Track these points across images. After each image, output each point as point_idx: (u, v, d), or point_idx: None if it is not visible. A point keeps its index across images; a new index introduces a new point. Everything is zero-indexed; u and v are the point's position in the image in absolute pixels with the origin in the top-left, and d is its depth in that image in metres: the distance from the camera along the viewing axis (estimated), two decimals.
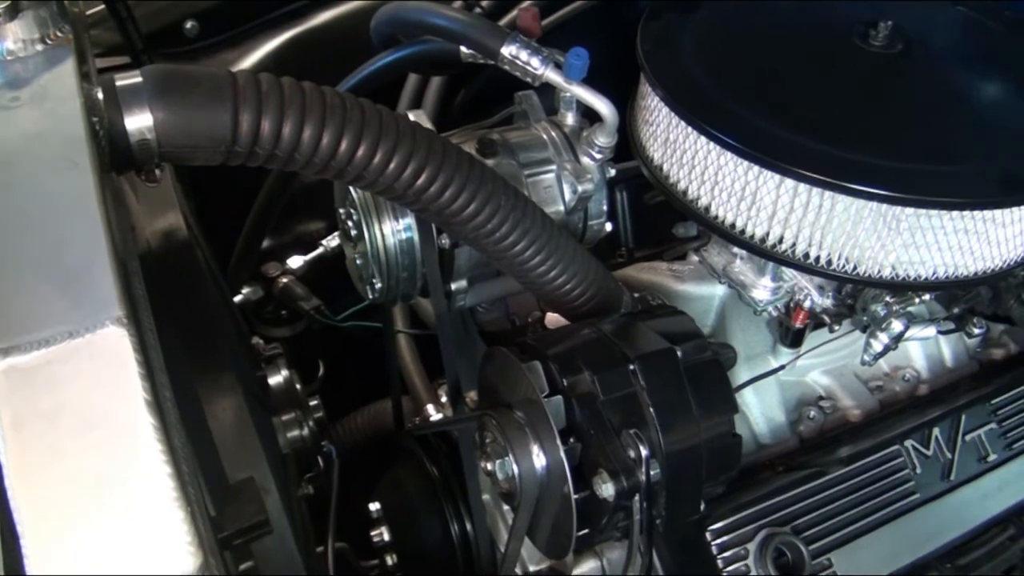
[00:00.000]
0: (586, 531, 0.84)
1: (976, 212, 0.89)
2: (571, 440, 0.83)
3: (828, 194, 0.89)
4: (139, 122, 0.69)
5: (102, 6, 1.18)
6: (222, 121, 0.70)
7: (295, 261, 1.42)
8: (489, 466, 0.88)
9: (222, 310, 0.90)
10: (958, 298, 1.20)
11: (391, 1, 1.18)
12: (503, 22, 1.58)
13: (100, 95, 0.69)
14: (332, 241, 1.45)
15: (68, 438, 0.47)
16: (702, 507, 0.88)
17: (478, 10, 1.56)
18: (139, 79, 0.70)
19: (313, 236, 1.48)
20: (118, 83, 0.69)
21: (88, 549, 0.45)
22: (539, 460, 0.84)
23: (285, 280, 1.39)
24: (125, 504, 0.46)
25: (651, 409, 0.82)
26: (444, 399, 1.40)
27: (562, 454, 0.81)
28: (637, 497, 0.81)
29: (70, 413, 0.48)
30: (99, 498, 0.46)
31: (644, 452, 0.79)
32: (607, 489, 0.79)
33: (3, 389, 0.48)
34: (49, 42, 0.71)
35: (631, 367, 0.83)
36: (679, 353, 0.86)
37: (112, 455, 0.47)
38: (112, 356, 0.49)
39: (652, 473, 0.80)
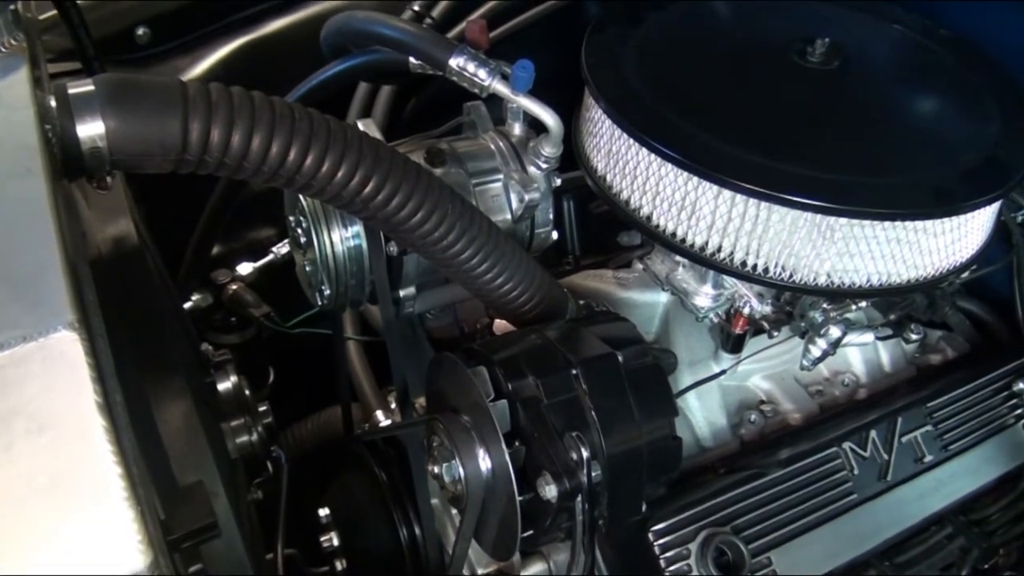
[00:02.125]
0: (531, 532, 0.86)
1: (907, 222, 0.93)
2: (516, 443, 0.85)
3: (764, 204, 0.92)
4: (91, 130, 0.69)
5: (54, 11, 1.18)
6: (172, 130, 0.71)
7: (245, 268, 1.43)
8: (436, 469, 0.89)
9: (172, 316, 0.91)
10: (894, 305, 1.25)
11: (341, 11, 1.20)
12: (452, 34, 1.61)
13: (53, 103, 0.69)
14: (282, 248, 1.46)
15: (21, 439, 0.48)
16: (643, 508, 0.90)
17: (428, 21, 1.58)
18: (91, 87, 0.70)
19: (263, 243, 1.48)
20: (71, 91, 0.70)
21: (40, 548, 0.46)
22: (484, 463, 0.85)
23: (235, 287, 1.40)
24: (76, 504, 0.47)
25: (593, 413, 0.84)
26: (393, 405, 1.41)
27: (507, 457, 0.83)
28: (579, 498, 0.83)
29: (22, 415, 0.48)
30: (51, 498, 0.47)
31: (585, 454, 0.81)
32: (550, 491, 0.81)
33: None
34: (3, 50, 0.72)
35: (574, 372, 0.86)
36: (620, 358, 0.88)
37: (64, 456, 0.48)
38: (64, 360, 0.50)
39: (594, 475, 0.82)
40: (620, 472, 0.85)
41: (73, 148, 0.69)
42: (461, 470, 0.86)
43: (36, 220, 0.58)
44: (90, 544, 0.46)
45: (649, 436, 0.87)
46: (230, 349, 1.44)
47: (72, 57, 1.27)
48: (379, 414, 1.35)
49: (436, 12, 1.58)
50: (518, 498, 0.83)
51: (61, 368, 0.50)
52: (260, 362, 1.47)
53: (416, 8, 1.58)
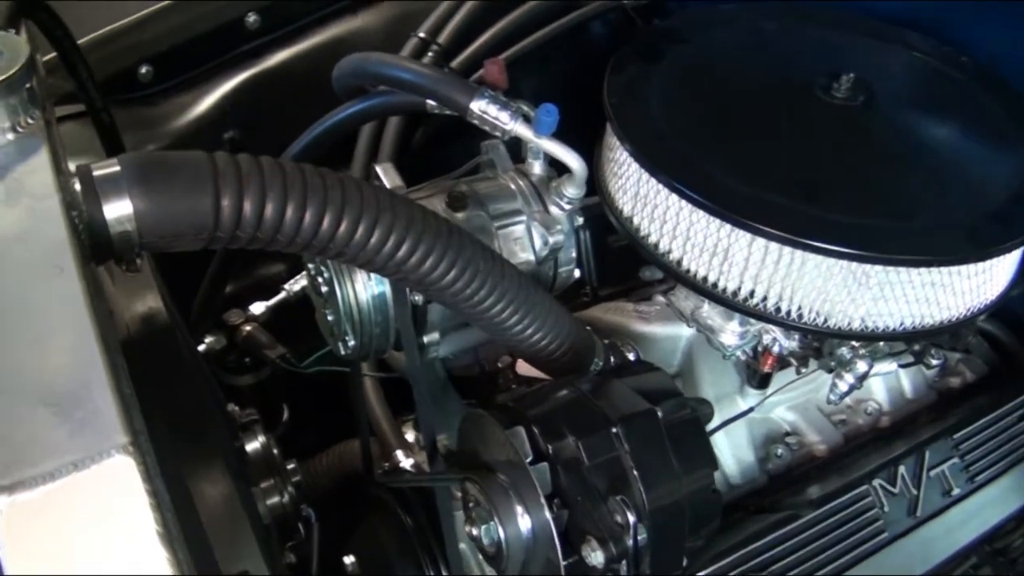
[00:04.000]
0: None
1: (943, 268, 0.92)
2: (556, 504, 0.83)
3: (799, 252, 0.91)
4: (119, 212, 0.67)
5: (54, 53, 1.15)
6: (203, 208, 0.69)
7: (258, 307, 1.40)
8: (474, 531, 0.88)
9: (208, 395, 0.89)
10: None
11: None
12: (460, 59, 1.59)
13: (77, 186, 0.67)
14: (295, 285, 1.43)
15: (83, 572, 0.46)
16: (684, 563, 0.89)
17: (435, 47, 1.56)
18: (117, 168, 0.68)
19: (274, 279, 1.46)
20: (96, 173, 0.67)
21: None
22: (524, 524, 0.84)
23: (248, 328, 1.37)
24: None
25: (635, 472, 0.83)
26: (410, 437, 1.40)
27: (550, 521, 0.82)
28: (624, 562, 0.82)
29: (81, 549, 0.47)
30: None
31: (632, 519, 0.80)
32: (597, 557, 0.80)
33: (10, 528, 0.47)
34: (20, 130, 0.70)
35: (614, 430, 0.84)
36: (659, 413, 0.87)
37: None
38: (120, 486, 0.48)
39: (640, 538, 0.81)
40: (663, 530, 0.83)
41: (101, 233, 0.67)
42: (501, 532, 0.85)
43: (74, 327, 0.56)
44: None
45: (690, 490, 0.86)
46: (244, 389, 1.42)
47: (72, 100, 1.24)
48: (399, 454, 1.34)
49: (442, 39, 1.56)
50: (562, 563, 0.81)
51: (118, 495, 0.48)
52: (273, 400, 1.45)
53: (422, 35, 1.56)
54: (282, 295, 1.41)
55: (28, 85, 0.70)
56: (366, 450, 1.34)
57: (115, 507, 0.48)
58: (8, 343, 0.55)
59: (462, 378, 1.27)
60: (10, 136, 0.69)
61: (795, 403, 1.25)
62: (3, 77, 0.67)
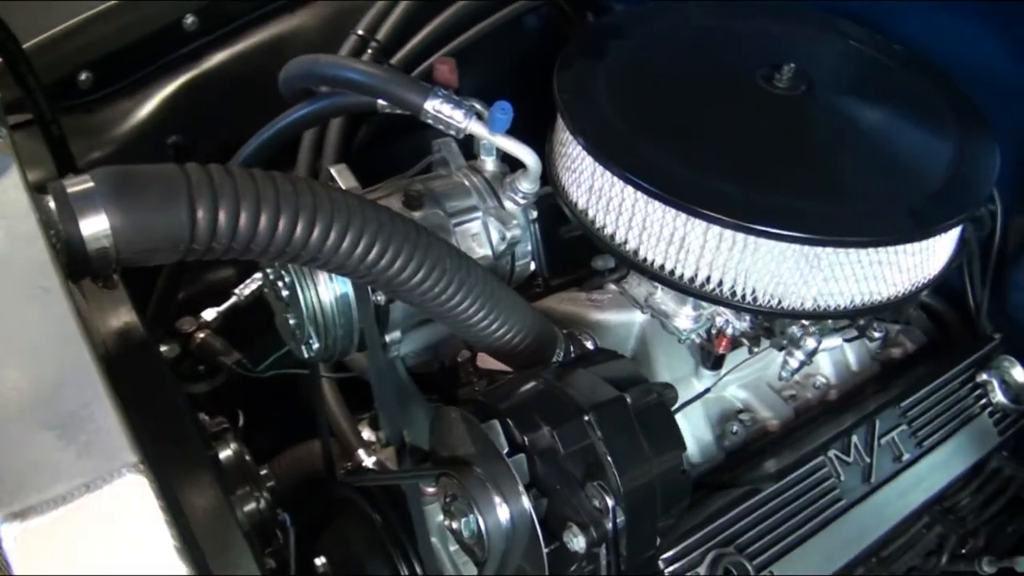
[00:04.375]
0: None
1: (889, 247, 0.96)
2: (535, 494, 0.85)
3: (752, 238, 0.94)
4: (95, 229, 0.67)
5: None
6: (180, 220, 0.69)
7: (209, 313, 1.39)
8: (454, 525, 0.90)
9: (186, 407, 0.89)
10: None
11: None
12: (400, 55, 1.59)
13: (51, 204, 0.67)
14: (245, 289, 1.42)
15: None
16: (657, 542, 0.92)
17: (374, 44, 1.56)
18: (90, 183, 0.68)
19: (224, 284, 1.45)
20: (69, 190, 0.67)
21: None
22: (504, 515, 0.86)
23: (202, 335, 1.36)
24: None
25: (608, 457, 0.85)
26: (367, 435, 1.40)
27: (531, 511, 0.84)
28: (604, 545, 0.84)
29: (96, 569, 0.47)
30: None
31: (610, 503, 0.82)
32: (579, 542, 0.82)
33: (24, 553, 0.47)
34: None
35: (586, 418, 0.86)
36: (628, 399, 0.89)
37: None
38: (133, 505, 0.48)
39: (618, 520, 0.83)
40: (637, 511, 0.86)
41: (79, 250, 0.67)
42: (482, 524, 0.87)
43: (66, 347, 0.56)
44: None
45: (660, 472, 0.88)
46: (200, 397, 1.41)
47: (17, 110, 1.22)
48: (361, 453, 1.34)
49: (380, 36, 1.57)
50: (544, 549, 0.84)
51: (131, 514, 0.49)
52: (229, 406, 1.44)
53: (360, 33, 1.56)
54: (233, 300, 1.40)
55: None
56: (327, 450, 1.34)
57: (131, 526, 0.48)
58: (10, 376, 0.55)
59: (422, 374, 1.28)
60: None
61: (746, 381, 1.29)
62: None
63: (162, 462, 0.68)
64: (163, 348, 1.33)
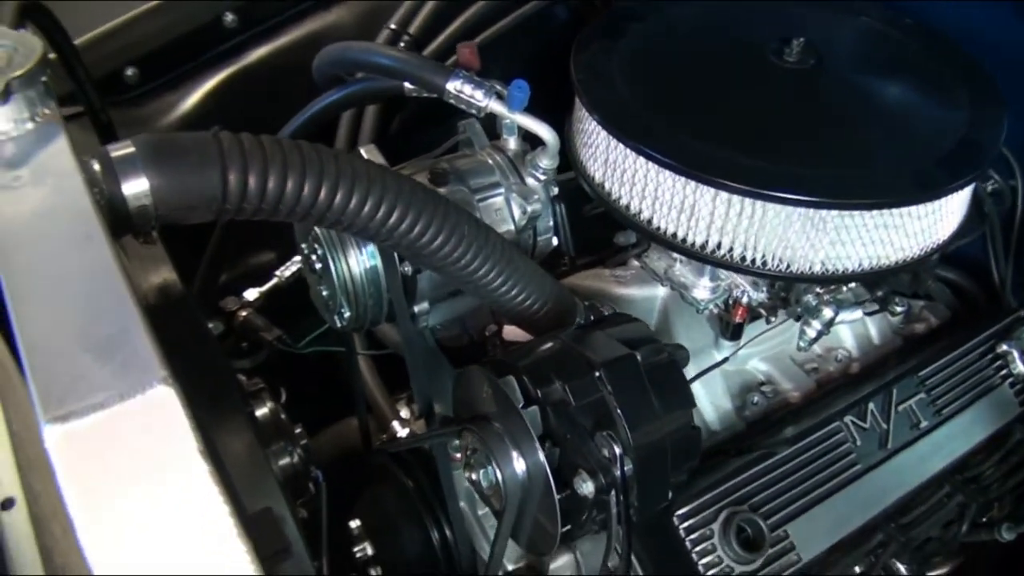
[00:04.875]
0: (568, 527, 0.91)
1: (894, 209, 0.99)
2: (549, 445, 0.90)
3: (759, 203, 0.98)
4: (136, 189, 0.73)
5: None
6: (212, 182, 0.75)
7: (251, 294, 1.46)
8: (473, 476, 0.95)
9: (224, 359, 0.95)
10: (880, 282, 1.31)
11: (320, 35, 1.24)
12: (431, 48, 1.65)
13: (96, 166, 0.73)
14: (285, 271, 1.49)
15: (132, 491, 0.52)
16: (669, 495, 0.96)
17: (406, 38, 1.62)
18: (132, 149, 0.74)
19: (265, 268, 1.52)
20: (113, 154, 0.74)
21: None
22: (520, 466, 0.91)
23: (244, 313, 1.44)
24: (191, 543, 0.52)
25: (618, 411, 0.90)
26: (404, 414, 1.46)
27: (543, 459, 0.88)
28: (613, 492, 0.89)
29: (131, 468, 0.53)
30: (167, 538, 0.51)
31: (617, 451, 0.86)
32: (587, 487, 0.87)
33: (65, 452, 0.52)
34: (38, 120, 0.75)
35: (597, 374, 0.91)
36: (639, 357, 0.94)
37: (175, 501, 0.52)
38: (163, 412, 0.54)
39: (626, 468, 0.87)
40: (648, 464, 0.90)
41: (120, 208, 0.73)
42: (499, 475, 0.91)
43: (108, 284, 0.62)
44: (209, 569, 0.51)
45: (671, 428, 0.92)
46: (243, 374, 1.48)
47: (71, 101, 1.30)
48: (395, 425, 1.40)
49: (413, 29, 1.63)
50: (556, 496, 0.88)
51: (161, 421, 0.54)
52: (271, 383, 1.51)
53: (393, 27, 1.62)
54: (274, 281, 1.47)
55: (43, 79, 0.76)
56: (364, 423, 1.40)
57: (159, 430, 0.54)
58: (50, 301, 0.61)
59: (451, 348, 1.33)
60: (30, 125, 0.75)
61: (768, 355, 1.32)
62: (21, 71, 0.73)
63: (197, 406, 0.74)
64: (208, 326, 1.40)
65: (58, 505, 0.52)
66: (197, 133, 0.78)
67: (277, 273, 1.47)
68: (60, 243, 0.65)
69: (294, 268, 1.47)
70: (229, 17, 1.56)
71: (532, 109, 1.10)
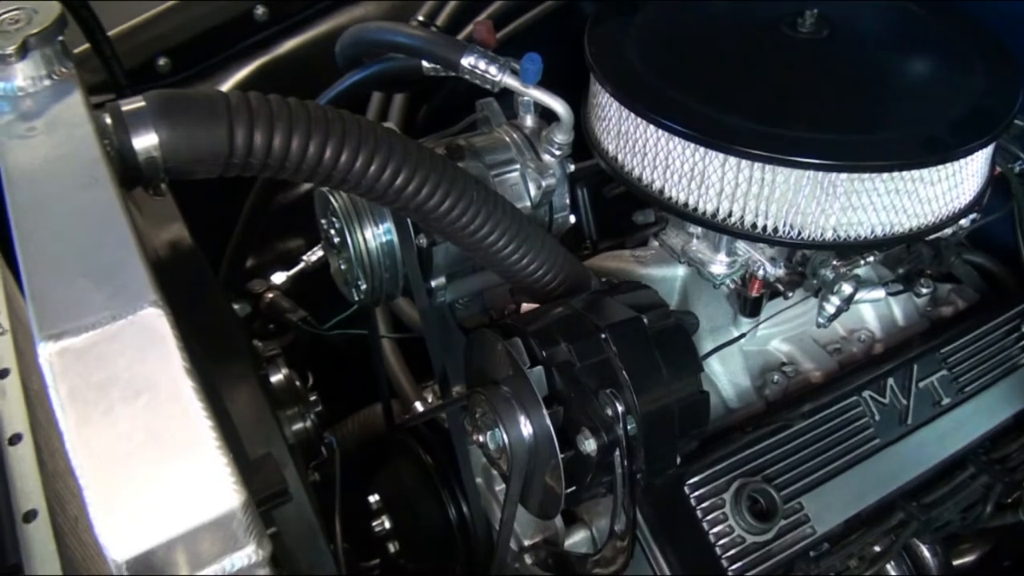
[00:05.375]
0: (573, 488, 0.91)
1: (904, 172, 0.98)
2: (554, 406, 0.91)
3: (768, 167, 0.98)
4: (145, 141, 0.76)
5: (83, 46, 1.26)
6: (219, 136, 0.78)
7: (279, 277, 1.49)
8: (481, 438, 0.95)
9: (230, 309, 0.97)
10: (902, 259, 1.30)
11: (337, 23, 1.25)
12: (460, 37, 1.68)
13: (108, 120, 0.76)
14: (312, 256, 1.52)
15: (119, 403, 0.54)
16: (677, 461, 0.96)
17: (433, 29, 1.65)
18: (143, 103, 0.77)
19: (293, 253, 1.55)
20: (123, 108, 0.76)
21: (143, 494, 0.52)
22: (526, 428, 0.91)
23: (271, 295, 1.46)
24: (173, 455, 0.53)
25: (624, 372, 0.90)
26: (431, 399, 1.47)
27: (547, 419, 0.89)
28: (618, 453, 0.89)
29: (119, 382, 0.55)
30: (150, 451, 0.53)
31: (620, 408, 0.87)
32: (589, 445, 0.87)
33: (58, 367, 0.55)
34: (55, 77, 0.79)
35: (602, 336, 0.91)
36: (645, 320, 0.94)
37: (158, 415, 0.54)
38: (152, 332, 0.56)
39: (629, 428, 0.88)
40: (653, 427, 0.90)
41: (130, 159, 0.76)
42: (505, 437, 0.92)
43: (110, 222, 0.64)
44: (189, 487, 0.52)
45: (679, 392, 0.92)
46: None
47: (100, 91, 1.34)
48: (418, 405, 1.41)
49: (440, 20, 1.65)
50: (560, 456, 0.89)
51: (150, 340, 0.56)
52: (298, 366, 1.53)
53: (420, 19, 1.65)
54: (301, 265, 1.50)
55: (60, 38, 0.79)
56: (387, 404, 1.42)
57: (148, 349, 0.56)
58: (54, 234, 0.63)
59: (472, 328, 1.34)
60: (47, 82, 0.78)
61: (789, 335, 1.31)
62: (38, 29, 0.77)
63: (201, 352, 0.77)
64: (235, 307, 1.43)
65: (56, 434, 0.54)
66: (206, 89, 0.80)
67: (304, 258, 1.50)
68: (67, 184, 0.68)
69: (321, 253, 1.49)
70: (260, 10, 1.60)
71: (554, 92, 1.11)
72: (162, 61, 1.51)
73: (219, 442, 0.54)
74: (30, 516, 0.65)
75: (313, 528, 0.80)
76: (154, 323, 0.57)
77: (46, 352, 0.55)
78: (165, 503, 0.52)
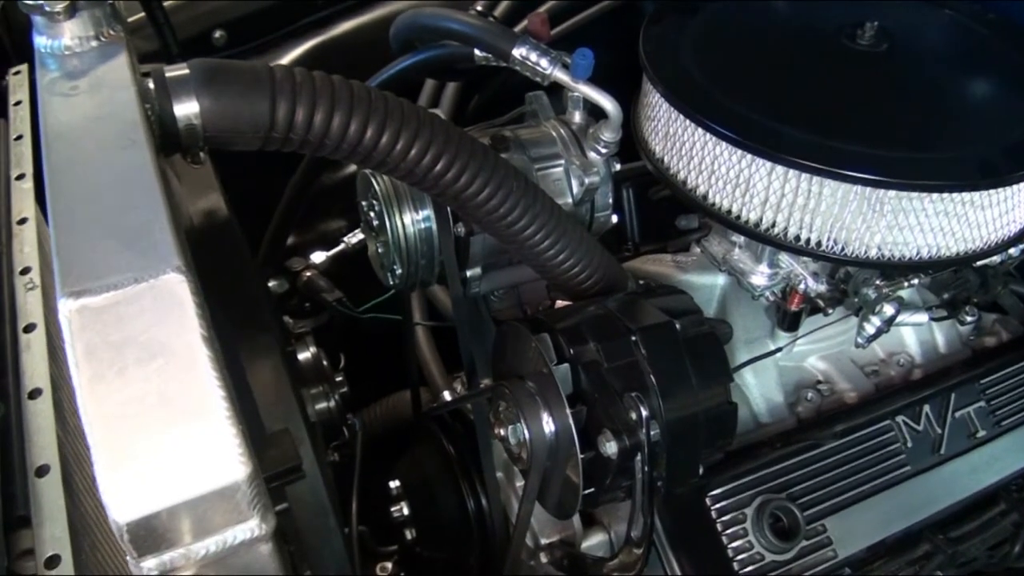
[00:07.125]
0: (592, 490, 0.90)
1: (955, 194, 0.96)
2: (578, 405, 0.89)
3: (815, 179, 0.96)
4: (187, 109, 0.76)
5: (139, 15, 1.27)
6: (261, 109, 0.78)
7: (318, 256, 1.49)
8: (502, 432, 0.95)
9: (261, 282, 0.97)
10: (948, 285, 1.27)
11: (394, 8, 1.25)
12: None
13: (151, 85, 0.76)
14: (353, 238, 1.52)
15: (134, 364, 0.54)
16: (700, 471, 0.94)
17: (491, 19, 1.64)
18: (186, 71, 0.77)
19: (334, 234, 1.55)
20: (168, 75, 0.77)
21: (149, 458, 0.52)
22: (548, 425, 0.90)
23: (309, 274, 1.47)
24: (183, 421, 0.53)
25: (651, 376, 0.88)
26: (460, 390, 1.47)
27: (569, 417, 0.88)
28: (639, 457, 0.87)
29: (135, 344, 0.55)
30: (160, 415, 0.53)
31: (644, 413, 0.85)
32: (610, 447, 0.86)
33: (76, 324, 0.55)
34: (103, 39, 0.79)
35: (633, 338, 0.90)
36: (678, 326, 0.92)
37: (172, 380, 0.54)
38: (172, 297, 0.56)
39: (652, 433, 0.86)
40: (678, 434, 0.89)
41: (170, 125, 0.76)
42: (526, 432, 0.91)
43: (143, 185, 0.64)
44: (195, 455, 0.52)
45: (706, 401, 0.91)
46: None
47: (153, 59, 1.36)
48: (447, 395, 1.41)
49: (498, 12, 1.64)
50: (580, 456, 0.87)
51: (170, 304, 0.56)
52: (331, 348, 1.54)
53: (479, 8, 1.64)
54: (341, 246, 1.50)
55: (111, 1, 0.80)
56: (415, 390, 1.41)
57: (167, 314, 0.56)
58: (87, 194, 0.64)
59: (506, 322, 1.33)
60: (94, 43, 0.79)
61: (827, 353, 1.28)
62: None
63: (226, 320, 0.77)
64: (272, 283, 1.43)
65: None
66: (251, 62, 0.80)
67: (345, 239, 1.50)
68: (105, 145, 0.68)
69: (362, 236, 1.49)
70: None
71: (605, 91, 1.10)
72: (218, 34, 1.53)
73: (230, 412, 0.53)
74: (43, 471, 0.66)
75: (325, 507, 0.80)
76: (175, 288, 0.57)
77: (66, 308, 0.55)
78: (171, 469, 0.52)
